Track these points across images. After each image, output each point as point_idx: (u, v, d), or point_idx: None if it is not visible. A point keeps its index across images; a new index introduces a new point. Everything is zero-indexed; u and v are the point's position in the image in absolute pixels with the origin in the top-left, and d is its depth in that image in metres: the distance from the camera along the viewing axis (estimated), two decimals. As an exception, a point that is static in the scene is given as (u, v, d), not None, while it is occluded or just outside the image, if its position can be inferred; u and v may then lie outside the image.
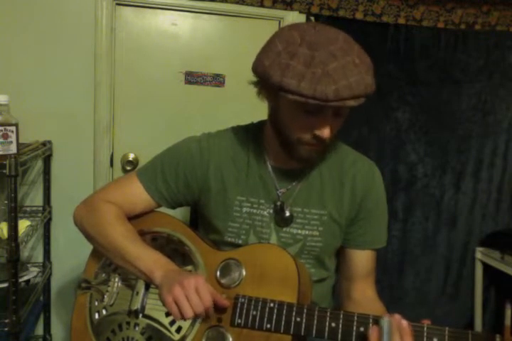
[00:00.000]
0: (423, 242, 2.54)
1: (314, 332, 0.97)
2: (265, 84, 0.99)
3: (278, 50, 0.95)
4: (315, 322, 0.97)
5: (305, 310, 0.98)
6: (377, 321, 0.93)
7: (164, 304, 0.98)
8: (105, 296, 1.12)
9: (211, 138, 1.20)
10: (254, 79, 1.04)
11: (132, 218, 1.19)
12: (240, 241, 1.16)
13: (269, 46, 0.99)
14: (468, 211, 2.57)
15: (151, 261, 1.04)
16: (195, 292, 0.95)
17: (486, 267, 2.55)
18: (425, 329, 0.91)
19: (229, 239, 1.17)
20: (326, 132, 1.01)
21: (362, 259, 1.21)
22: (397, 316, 0.92)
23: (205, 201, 1.19)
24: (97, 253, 1.19)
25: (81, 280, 1.18)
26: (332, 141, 1.10)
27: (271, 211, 1.16)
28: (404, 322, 0.91)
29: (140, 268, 1.04)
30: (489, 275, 2.58)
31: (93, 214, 1.15)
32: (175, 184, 1.17)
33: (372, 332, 0.92)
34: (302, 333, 0.97)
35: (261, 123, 1.22)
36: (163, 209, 1.23)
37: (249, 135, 1.20)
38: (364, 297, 1.20)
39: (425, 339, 0.90)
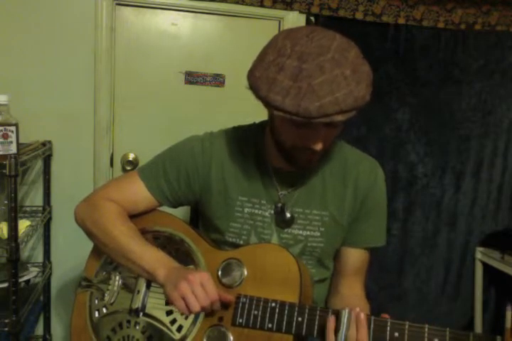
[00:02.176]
0: (423, 242, 2.54)
1: (316, 332, 0.97)
2: (255, 95, 0.98)
3: (269, 61, 0.94)
4: (316, 322, 0.97)
5: (307, 310, 0.98)
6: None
7: (170, 300, 0.99)
8: (106, 295, 1.12)
9: (214, 138, 1.20)
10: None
11: (133, 217, 1.18)
12: (241, 242, 1.16)
13: (262, 55, 0.97)
14: (468, 211, 2.57)
15: (153, 259, 1.05)
16: (200, 286, 0.96)
17: (486, 267, 2.55)
18: (426, 330, 0.91)
19: (230, 239, 1.17)
20: (317, 145, 1.00)
21: (354, 257, 1.22)
22: (357, 309, 0.94)
23: (206, 201, 1.19)
24: (97, 252, 1.19)
25: (81, 279, 1.18)
26: (327, 149, 1.09)
27: (272, 212, 1.16)
28: (362, 315, 0.93)
29: (143, 267, 1.05)
30: (489, 275, 2.58)
31: (95, 212, 1.15)
32: (177, 183, 1.17)
33: (329, 323, 0.95)
34: (304, 333, 0.97)
35: (263, 123, 1.22)
36: (164, 209, 1.23)
37: (251, 136, 1.20)
38: (352, 293, 1.21)
39: (426, 340, 0.90)
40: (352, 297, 1.19)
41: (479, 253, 2.57)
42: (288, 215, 1.15)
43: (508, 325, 0.87)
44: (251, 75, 0.98)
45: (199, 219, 1.31)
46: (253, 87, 0.96)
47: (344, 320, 0.93)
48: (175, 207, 1.24)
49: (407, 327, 0.92)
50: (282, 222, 1.15)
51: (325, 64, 0.90)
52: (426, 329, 0.91)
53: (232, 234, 1.17)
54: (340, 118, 0.91)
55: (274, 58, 0.93)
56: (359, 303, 1.16)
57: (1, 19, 2.02)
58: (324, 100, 0.88)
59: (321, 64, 0.90)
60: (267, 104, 0.93)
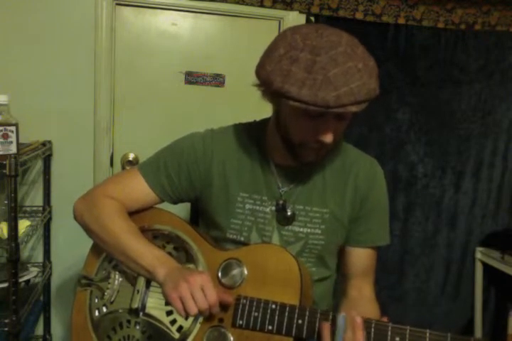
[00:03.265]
0: (423, 242, 2.55)
1: (316, 335, 0.96)
2: (267, 89, 0.99)
3: (280, 55, 0.94)
4: (317, 324, 0.97)
5: (307, 313, 0.98)
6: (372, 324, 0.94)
7: (168, 300, 0.99)
8: (105, 293, 1.12)
9: (215, 135, 1.20)
10: (257, 81, 1.03)
11: (132, 215, 1.18)
12: (242, 238, 1.16)
13: (271, 50, 0.98)
14: (468, 211, 2.57)
15: (153, 257, 1.05)
16: (200, 289, 0.96)
17: (486, 267, 2.55)
18: (427, 335, 0.91)
19: (230, 236, 1.17)
20: (328, 137, 1.01)
21: (360, 257, 1.22)
22: (353, 312, 0.94)
23: (207, 197, 1.19)
24: (96, 250, 1.19)
25: (80, 277, 1.17)
26: (336, 144, 1.10)
27: (273, 208, 1.16)
28: (358, 319, 0.93)
29: (142, 265, 1.05)
30: (489, 275, 2.59)
31: (94, 209, 1.15)
32: (177, 179, 1.17)
33: (323, 329, 0.95)
34: (304, 336, 0.97)
35: (264, 121, 1.22)
36: (164, 206, 1.23)
37: (253, 132, 1.20)
38: (360, 295, 1.21)
39: None
40: (361, 299, 1.19)
41: (479, 253, 2.57)
42: (289, 212, 1.15)
43: (510, 331, 0.87)
44: (261, 70, 0.98)
45: (199, 217, 1.31)
46: (265, 81, 0.97)
47: (340, 324, 0.93)
48: (175, 203, 1.23)
49: (408, 331, 0.92)
50: (283, 219, 1.15)
51: (338, 56, 0.91)
52: (427, 334, 0.91)
53: (233, 230, 1.17)
54: (354, 109, 0.93)
55: (285, 51, 0.94)
56: (368, 306, 1.17)
57: (1, 19, 2.02)
58: (340, 90, 0.90)
59: (334, 57, 0.91)
60: (282, 95, 0.93)
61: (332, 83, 0.90)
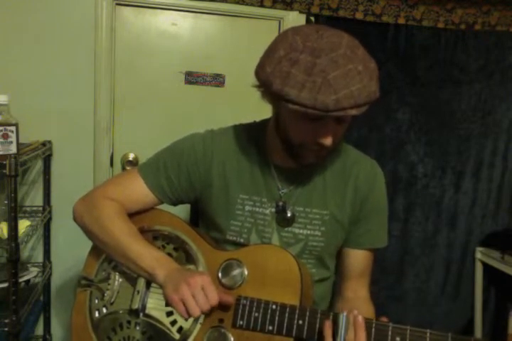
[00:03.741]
0: (423, 242, 2.55)
1: (316, 335, 0.96)
2: (267, 90, 0.98)
3: (280, 56, 0.93)
4: (317, 325, 0.97)
5: (307, 313, 0.98)
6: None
7: (170, 302, 0.99)
8: (105, 294, 1.12)
9: (215, 136, 1.20)
10: (257, 82, 1.02)
11: (132, 215, 1.18)
12: (242, 240, 1.16)
13: (271, 51, 0.97)
14: (468, 211, 2.57)
15: (153, 259, 1.05)
16: (201, 290, 0.96)
17: (486, 267, 2.55)
18: (428, 335, 0.91)
19: (230, 238, 1.17)
20: (328, 140, 1.00)
21: (357, 258, 1.22)
22: (355, 311, 0.94)
23: (207, 197, 1.19)
24: (96, 251, 1.19)
25: (80, 278, 1.17)
26: (336, 146, 1.09)
27: (273, 210, 1.15)
28: (360, 318, 0.93)
29: (142, 266, 1.05)
30: (489, 275, 2.59)
31: (94, 210, 1.15)
32: (177, 180, 1.17)
33: (325, 328, 0.94)
34: (304, 336, 0.97)
35: (264, 121, 1.22)
36: (164, 207, 1.23)
37: (252, 134, 1.19)
38: (356, 296, 1.21)
39: None
40: (356, 300, 1.20)
41: (479, 253, 2.57)
42: (289, 214, 1.14)
43: (510, 331, 0.87)
44: (261, 71, 0.97)
45: (199, 219, 1.30)
46: (265, 82, 0.96)
47: (342, 323, 0.93)
48: (175, 204, 1.23)
49: (408, 331, 0.92)
50: (283, 220, 1.15)
51: (338, 59, 0.90)
52: (428, 334, 0.91)
53: (233, 232, 1.16)
54: (354, 112, 0.92)
55: (286, 53, 0.93)
56: (363, 306, 1.17)
57: (1, 19, 2.02)
58: (340, 93, 0.89)
59: (335, 59, 0.90)
60: (281, 97, 0.93)
61: (332, 86, 0.89)
